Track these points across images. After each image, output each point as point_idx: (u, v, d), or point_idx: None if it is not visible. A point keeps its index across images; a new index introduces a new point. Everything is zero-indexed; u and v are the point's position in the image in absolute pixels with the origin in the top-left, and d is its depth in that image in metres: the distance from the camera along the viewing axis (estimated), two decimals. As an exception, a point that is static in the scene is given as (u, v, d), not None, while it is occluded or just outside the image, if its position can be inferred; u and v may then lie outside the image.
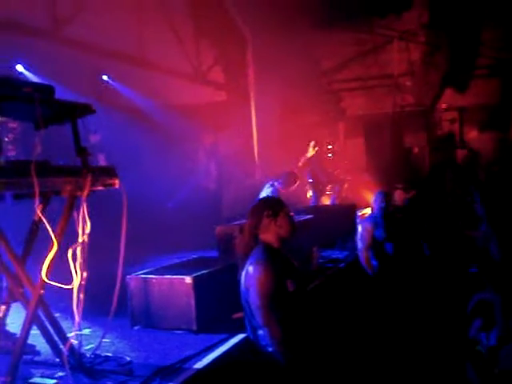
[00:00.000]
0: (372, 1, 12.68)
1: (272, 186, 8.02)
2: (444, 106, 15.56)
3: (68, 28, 8.31)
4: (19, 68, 9.84)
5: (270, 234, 4.10)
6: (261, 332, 3.88)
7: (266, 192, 7.96)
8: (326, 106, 15.39)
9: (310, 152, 8.84)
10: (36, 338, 3.84)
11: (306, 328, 4.07)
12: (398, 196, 8.63)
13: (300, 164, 8.74)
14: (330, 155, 13.91)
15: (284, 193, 8.00)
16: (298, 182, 8.27)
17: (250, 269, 3.95)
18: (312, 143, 8.97)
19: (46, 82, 3.71)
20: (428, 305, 6.01)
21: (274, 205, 4.16)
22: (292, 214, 4.18)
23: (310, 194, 12.11)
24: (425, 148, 16.03)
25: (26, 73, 9.90)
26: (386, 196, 6.95)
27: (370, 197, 8.95)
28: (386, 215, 6.89)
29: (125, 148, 10.36)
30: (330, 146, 14.25)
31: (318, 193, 12.13)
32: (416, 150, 16.09)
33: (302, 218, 7.24)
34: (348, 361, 4.24)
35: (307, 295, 4.54)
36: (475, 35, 12.54)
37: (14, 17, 7.58)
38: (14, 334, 3.99)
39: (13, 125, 8.16)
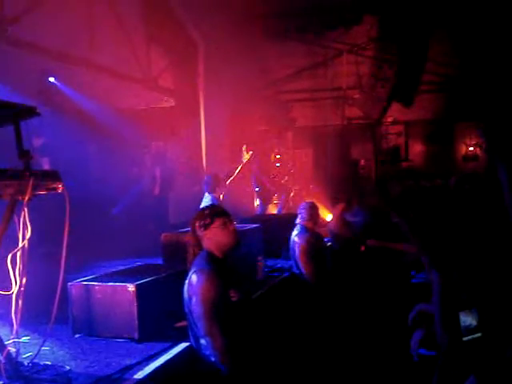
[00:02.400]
0: (323, 13, 12.86)
1: (210, 193, 7.98)
2: (390, 119, 15.87)
3: (15, 28, 8.12)
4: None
5: (210, 243, 4.09)
6: (203, 341, 3.86)
7: (205, 201, 7.92)
8: (276, 116, 15.49)
9: (245, 156, 8.83)
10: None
11: (250, 338, 4.06)
12: (338, 208, 8.77)
13: (236, 172, 8.71)
14: (277, 164, 14.00)
15: (221, 199, 7.98)
16: (225, 183, 8.24)
17: (193, 277, 3.93)
18: (244, 147, 8.97)
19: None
20: (369, 313, 6.11)
21: (204, 216, 4.13)
22: (232, 223, 4.15)
23: (256, 202, 12.15)
24: (371, 160, 16.32)
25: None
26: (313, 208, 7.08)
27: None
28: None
29: (70, 152, 10.17)
30: (278, 156, 14.35)
31: (265, 201, 12.18)
32: (362, 162, 16.35)
33: (247, 227, 7.24)
34: (291, 370, 4.26)
35: (252, 305, 4.54)
36: (423, 50, 12.85)
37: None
38: None
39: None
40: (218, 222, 4.10)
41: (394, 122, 16.16)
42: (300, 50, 14.97)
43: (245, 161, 8.92)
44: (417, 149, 16.52)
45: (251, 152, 9.02)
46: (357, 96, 15.35)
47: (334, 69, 15.50)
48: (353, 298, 6.44)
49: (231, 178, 8.48)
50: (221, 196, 8.02)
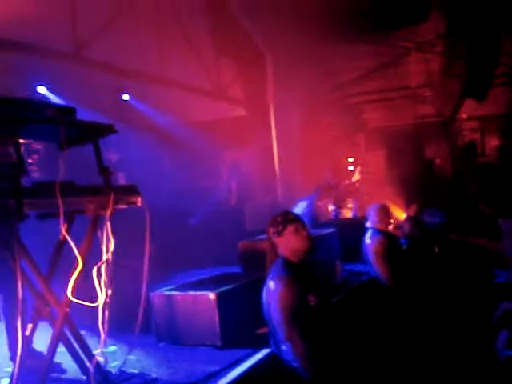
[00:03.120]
0: (389, 13, 12.68)
1: (306, 201, 8.07)
2: (464, 115, 15.48)
3: (89, 49, 8.44)
4: (41, 90, 10.00)
5: (284, 249, 4.13)
6: (284, 347, 3.89)
7: (300, 205, 8.00)
8: (346, 120, 15.39)
9: (356, 176, 8.90)
10: (62, 356, 3.87)
11: (330, 342, 4.06)
12: (413, 209, 8.65)
13: (345, 184, 8.81)
14: (350, 168, 13.88)
15: (321, 205, 8.04)
16: (333, 195, 8.30)
17: (271, 284, 3.97)
18: (358, 168, 9.04)
19: (68, 104, 3.79)
20: (452, 316, 5.98)
21: (277, 223, 4.17)
22: (304, 229, 4.16)
23: (330, 207, 12.11)
24: (447, 159, 15.97)
25: (49, 94, 10.05)
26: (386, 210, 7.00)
27: (392, 208, 8.96)
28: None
29: (146, 166, 10.44)
30: (350, 159, 14.24)
31: (338, 206, 12.11)
32: (438, 161, 16.02)
33: (323, 232, 7.23)
34: (372, 374, 4.23)
35: (331, 309, 4.54)
36: (494, 44, 12.48)
37: (35, 40, 7.72)
38: (41, 353, 4.04)
39: (37, 146, 8.29)
40: (290, 229, 4.13)
41: (469, 118, 15.76)
42: (367, 51, 14.81)
43: (354, 180, 8.99)
44: (493, 144, 16.05)
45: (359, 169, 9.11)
46: (428, 94, 15.08)
47: (403, 68, 15.24)
48: (433, 300, 6.32)
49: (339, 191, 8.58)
50: (329, 206, 8.09)
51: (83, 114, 3.87)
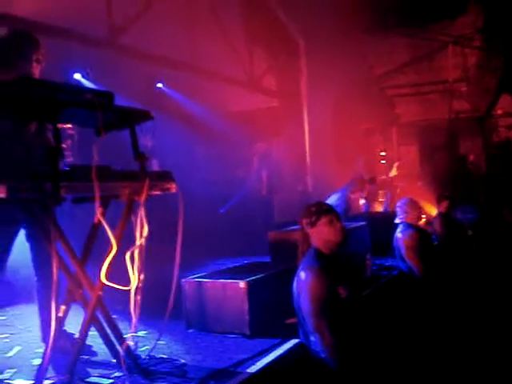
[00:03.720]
0: (426, 5, 12.53)
1: (340, 193, 8.10)
2: (500, 111, 15.25)
3: (123, 37, 8.48)
4: (77, 76, 10.09)
5: (317, 240, 4.12)
6: (313, 338, 3.89)
7: (332, 197, 8.02)
8: (380, 112, 15.27)
9: (393, 172, 8.86)
10: (94, 338, 3.92)
11: (359, 335, 4.05)
12: (444, 205, 8.57)
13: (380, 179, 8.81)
14: (383, 161, 13.78)
15: (354, 198, 8.05)
16: (366, 189, 8.29)
17: (302, 274, 3.97)
18: (396, 164, 9.00)
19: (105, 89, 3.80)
20: (484, 312, 5.91)
21: (311, 214, 4.16)
22: (338, 220, 4.14)
23: (361, 200, 12.04)
24: (481, 155, 15.75)
25: (84, 81, 10.14)
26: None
27: (423, 204, 8.89)
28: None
29: (179, 154, 10.49)
30: (383, 153, 14.13)
31: (370, 199, 12.03)
32: (472, 157, 15.83)
33: (354, 225, 7.19)
34: (401, 368, 4.20)
35: (361, 302, 4.52)
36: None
37: (70, 25, 7.79)
38: (73, 335, 4.09)
39: (71, 131, 8.38)
40: (324, 220, 4.12)
41: (505, 114, 15.51)
42: (403, 44, 14.67)
43: (392, 175, 8.97)
44: (530, 141, 15.78)
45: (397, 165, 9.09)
46: (464, 88, 14.88)
47: (439, 61, 15.07)
48: (465, 296, 6.26)
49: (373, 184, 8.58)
50: (361, 200, 8.10)
51: (118, 101, 3.89)
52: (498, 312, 5.86)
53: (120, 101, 3.94)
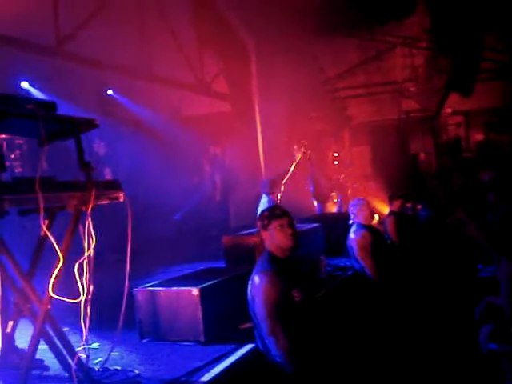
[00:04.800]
0: (372, 7, 12.69)
1: (267, 195, 8.12)
2: (449, 110, 15.55)
3: (71, 44, 8.37)
4: (24, 85, 9.92)
5: (269, 244, 4.12)
6: (268, 342, 3.89)
7: (262, 203, 8.02)
8: (332, 114, 15.40)
9: (297, 156, 8.83)
10: (44, 352, 3.84)
11: (314, 337, 4.06)
12: (397, 204, 8.69)
13: (289, 171, 8.74)
14: (335, 162, 13.90)
15: (279, 200, 8.08)
16: (281, 184, 8.32)
17: (256, 278, 3.96)
18: (295, 146, 8.99)
19: (51, 99, 3.74)
20: (436, 310, 6.00)
21: (263, 218, 4.16)
22: (289, 225, 4.14)
23: (314, 202, 12.12)
24: (431, 154, 16.03)
25: (32, 89, 9.98)
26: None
27: (376, 204, 8.99)
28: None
29: (131, 161, 10.41)
30: (335, 154, 14.26)
31: (322, 201, 12.12)
32: (422, 155, 16.09)
33: (307, 227, 7.24)
34: (356, 369, 4.23)
35: (315, 304, 4.54)
36: (478, 39, 12.54)
37: (17, 34, 7.65)
38: (23, 350, 4.01)
39: (19, 141, 8.23)
40: (275, 224, 4.11)
41: (453, 113, 15.83)
42: (352, 46, 14.81)
43: (297, 159, 8.94)
44: (478, 139, 16.14)
45: (303, 150, 9.04)
46: (413, 88, 15.11)
47: (388, 62, 15.27)
48: (417, 294, 6.35)
49: (286, 178, 8.53)
50: (278, 196, 8.09)
51: (68, 110, 3.83)
52: (448, 311, 5.97)
53: (70, 109, 3.88)
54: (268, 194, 8.12)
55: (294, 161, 8.88)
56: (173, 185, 11.32)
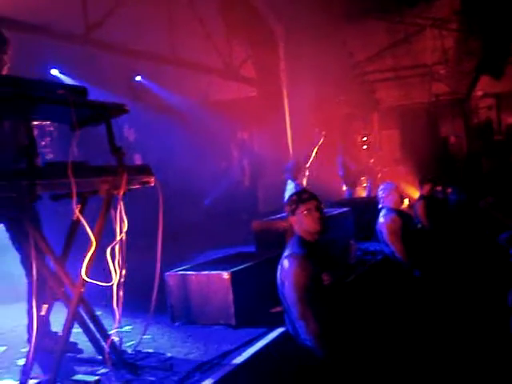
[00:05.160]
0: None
1: (293, 181, 8.15)
2: (480, 93, 15.31)
3: (99, 31, 8.41)
4: (54, 72, 10.01)
5: (298, 228, 4.12)
6: (298, 326, 3.89)
7: (289, 189, 8.05)
8: (360, 98, 15.27)
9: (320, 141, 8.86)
10: (78, 336, 3.90)
11: (344, 321, 4.06)
12: (426, 188, 8.62)
13: (312, 155, 8.77)
14: (364, 147, 13.77)
15: (304, 184, 8.10)
16: (305, 169, 8.34)
17: (285, 262, 3.97)
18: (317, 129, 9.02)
19: (81, 84, 3.75)
20: (467, 296, 5.94)
21: (292, 202, 4.18)
22: (317, 209, 4.13)
23: (344, 186, 12.04)
24: (462, 137, 15.83)
25: (62, 76, 10.06)
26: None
27: (406, 188, 8.91)
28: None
29: (161, 146, 10.46)
30: (364, 138, 14.13)
31: (352, 185, 12.05)
32: (453, 139, 15.90)
33: (337, 211, 7.21)
34: (387, 354, 4.22)
35: (345, 288, 4.53)
36: (509, 20, 12.28)
37: (46, 22, 7.71)
38: (57, 333, 4.07)
39: (50, 128, 8.31)
40: (302, 208, 4.12)
41: (484, 96, 15.58)
42: (381, 29, 14.64)
43: (319, 143, 8.94)
44: (510, 122, 15.87)
45: (323, 133, 9.04)
46: (443, 71, 14.91)
47: (417, 45, 15.06)
48: (448, 279, 6.29)
49: (309, 163, 8.55)
50: (304, 181, 8.11)
51: (98, 95, 3.85)
52: (480, 296, 5.90)
53: (100, 95, 3.90)
54: (293, 180, 8.14)
55: (316, 144, 8.88)
56: (202, 170, 11.37)
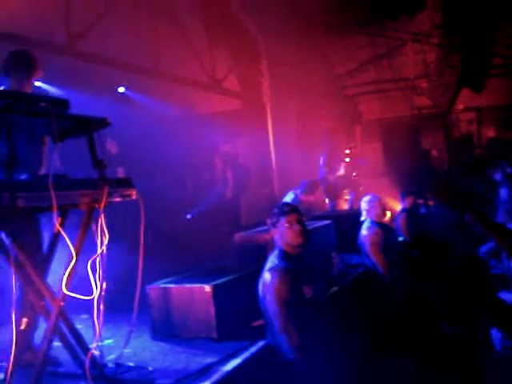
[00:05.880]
0: (383, 3, 12.62)
1: (294, 193, 8.19)
2: (461, 106, 15.47)
3: (83, 42, 8.40)
4: (37, 83, 9.94)
5: (279, 241, 4.14)
6: (280, 339, 3.90)
7: (287, 197, 8.11)
8: (343, 111, 15.36)
9: (341, 171, 8.97)
10: (58, 350, 3.87)
11: (327, 334, 4.06)
12: (409, 201, 8.69)
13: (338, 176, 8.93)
14: (347, 159, 13.85)
15: (305, 200, 8.12)
16: (317, 192, 8.41)
17: (266, 276, 3.98)
18: (343, 163, 9.13)
19: (64, 96, 3.75)
20: (447, 307, 5.98)
21: (273, 214, 4.20)
22: (297, 222, 4.15)
23: (326, 199, 12.10)
24: (443, 150, 15.97)
25: (46, 86, 10.00)
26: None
27: (388, 201, 8.98)
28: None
29: (143, 159, 10.42)
30: (347, 151, 14.21)
31: (333, 198, 12.10)
32: (435, 152, 16.03)
33: (319, 224, 7.22)
34: (368, 366, 4.23)
35: (327, 301, 4.54)
36: (490, 34, 12.44)
37: (29, 33, 7.68)
38: (37, 347, 4.03)
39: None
40: (283, 221, 4.14)
41: (465, 109, 15.75)
42: (363, 43, 14.75)
43: (340, 174, 9.04)
44: (490, 135, 16.05)
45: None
46: (425, 85, 15.05)
47: (399, 59, 15.20)
48: (428, 290, 6.34)
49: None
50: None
51: (80, 108, 3.84)
52: (454, 306, 5.94)
53: (83, 107, 3.88)
54: (299, 194, 8.20)
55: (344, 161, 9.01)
56: (186, 182, 11.35)
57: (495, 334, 4.30)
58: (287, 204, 4.49)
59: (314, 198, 8.42)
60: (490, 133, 16.06)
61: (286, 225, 4.11)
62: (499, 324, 3.35)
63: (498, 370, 4.35)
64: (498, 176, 8.89)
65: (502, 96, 14.91)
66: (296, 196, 8.19)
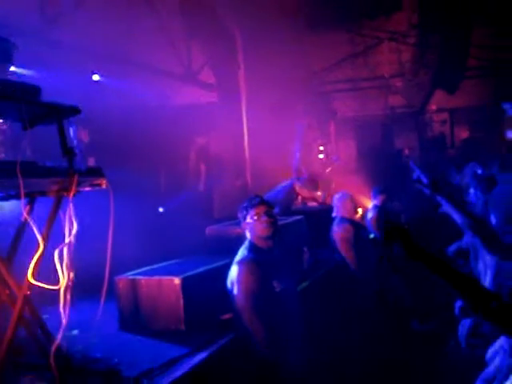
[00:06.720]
0: (361, 2, 12.67)
1: (292, 180, 8.24)
2: (434, 107, 15.61)
3: (56, 30, 8.29)
4: (12, 68, 9.79)
5: (250, 233, 4.14)
6: (247, 331, 3.89)
7: (277, 189, 8.16)
8: (317, 108, 15.38)
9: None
10: (23, 340, 3.81)
11: (295, 328, 4.07)
12: (380, 199, 8.75)
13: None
14: (320, 156, 13.89)
15: (299, 192, 8.19)
16: (313, 191, 8.47)
17: (234, 268, 3.98)
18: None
19: (35, 82, 3.68)
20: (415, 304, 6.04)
21: (243, 207, 4.20)
22: (265, 215, 4.15)
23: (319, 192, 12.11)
24: (415, 149, 16.10)
25: (19, 70, 9.83)
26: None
27: (359, 198, 9.04)
28: None
29: (116, 149, 10.31)
30: (321, 147, 14.26)
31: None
32: (407, 151, 16.15)
33: (290, 220, 7.23)
34: (337, 360, 4.25)
35: (297, 295, 4.55)
36: (466, 36, 12.55)
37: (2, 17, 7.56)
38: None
39: (2, 127, 8.12)
40: (252, 213, 4.15)
41: (438, 110, 15.90)
42: (340, 40, 14.82)
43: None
44: (463, 136, 16.24)
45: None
46: (400, 84, 15.15)
47: (375, 57, 15.30)
48: (397, 288, 6.39)
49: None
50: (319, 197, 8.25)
51: (54, 95, 3.77)
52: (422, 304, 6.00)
53: (56, 95, 3.81)
54: (297, 182, 8.26)
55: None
56: (159, 174, 11.27)
57: (461, 332, 4.35)
58: (256, 196, 4.48)
59: (308, 194, 8.48)
60: (464, 134, 16.23)
61: (255, 217, 4.12)
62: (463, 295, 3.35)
63: (452, 369, 4.42)
64: (467, 177, 8.98)
65: (475, 97, 15.07)
66: (290, 182, 8.26)
